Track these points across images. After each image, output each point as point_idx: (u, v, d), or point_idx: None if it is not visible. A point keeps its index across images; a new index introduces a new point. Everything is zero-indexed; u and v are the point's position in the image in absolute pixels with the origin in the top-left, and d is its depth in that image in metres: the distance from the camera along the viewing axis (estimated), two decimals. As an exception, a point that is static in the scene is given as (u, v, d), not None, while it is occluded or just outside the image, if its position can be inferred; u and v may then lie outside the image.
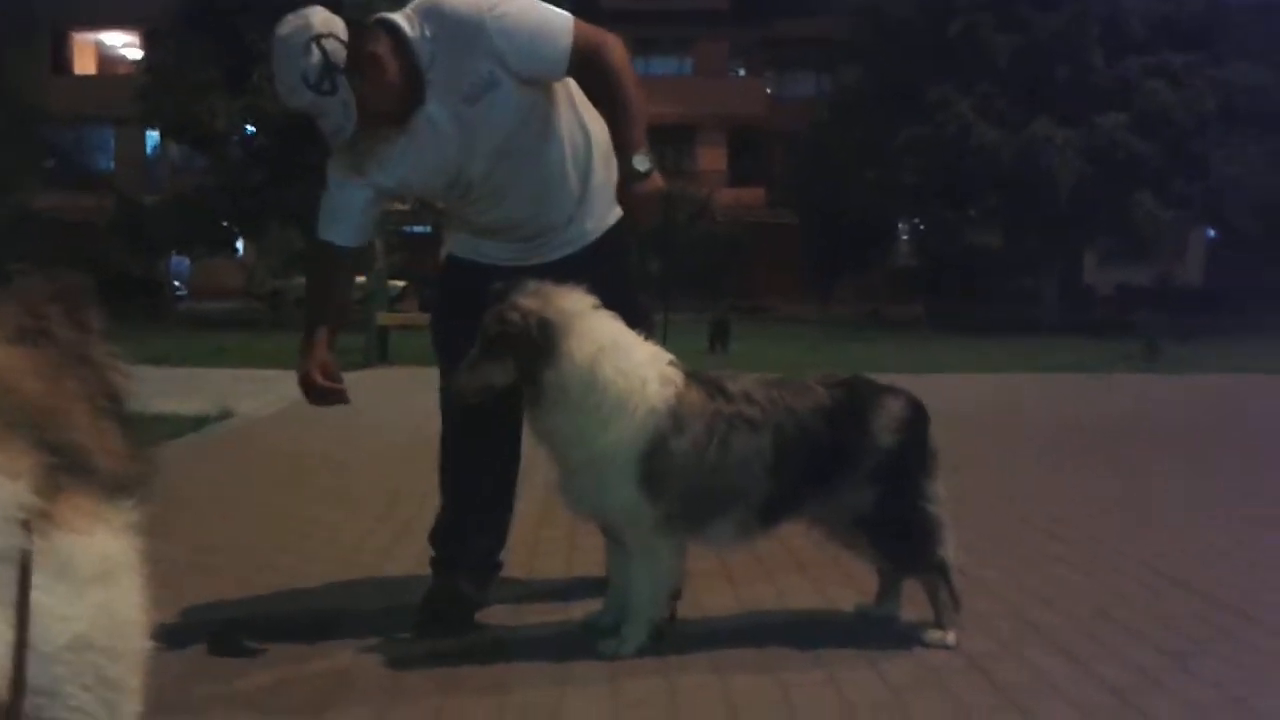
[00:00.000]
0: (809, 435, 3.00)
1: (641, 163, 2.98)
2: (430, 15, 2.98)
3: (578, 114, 3.21)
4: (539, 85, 3.06)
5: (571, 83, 3.17)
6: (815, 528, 3.27)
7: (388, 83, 2.96)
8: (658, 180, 3.02)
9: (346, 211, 3.16)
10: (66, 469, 1.23)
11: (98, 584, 1.21)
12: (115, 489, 1.30)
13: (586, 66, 3.03)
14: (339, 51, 2.91)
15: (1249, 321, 24.72)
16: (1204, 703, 2.66)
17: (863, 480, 3.05)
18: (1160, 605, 3.50)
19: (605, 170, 3.23)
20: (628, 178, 3.02)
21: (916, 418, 3.12)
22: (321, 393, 3.15)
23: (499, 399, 3.00)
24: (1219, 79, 23.15)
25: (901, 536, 3.10)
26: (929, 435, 3.14)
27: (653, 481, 2.91)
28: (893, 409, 3.09)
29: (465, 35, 2.95)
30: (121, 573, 1.25)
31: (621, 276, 3.23)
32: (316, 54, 2.89)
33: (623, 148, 3.04)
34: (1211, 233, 32.71)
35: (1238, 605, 3.49)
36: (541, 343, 2.84)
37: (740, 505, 3.03)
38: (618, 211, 3.26)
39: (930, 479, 3.11)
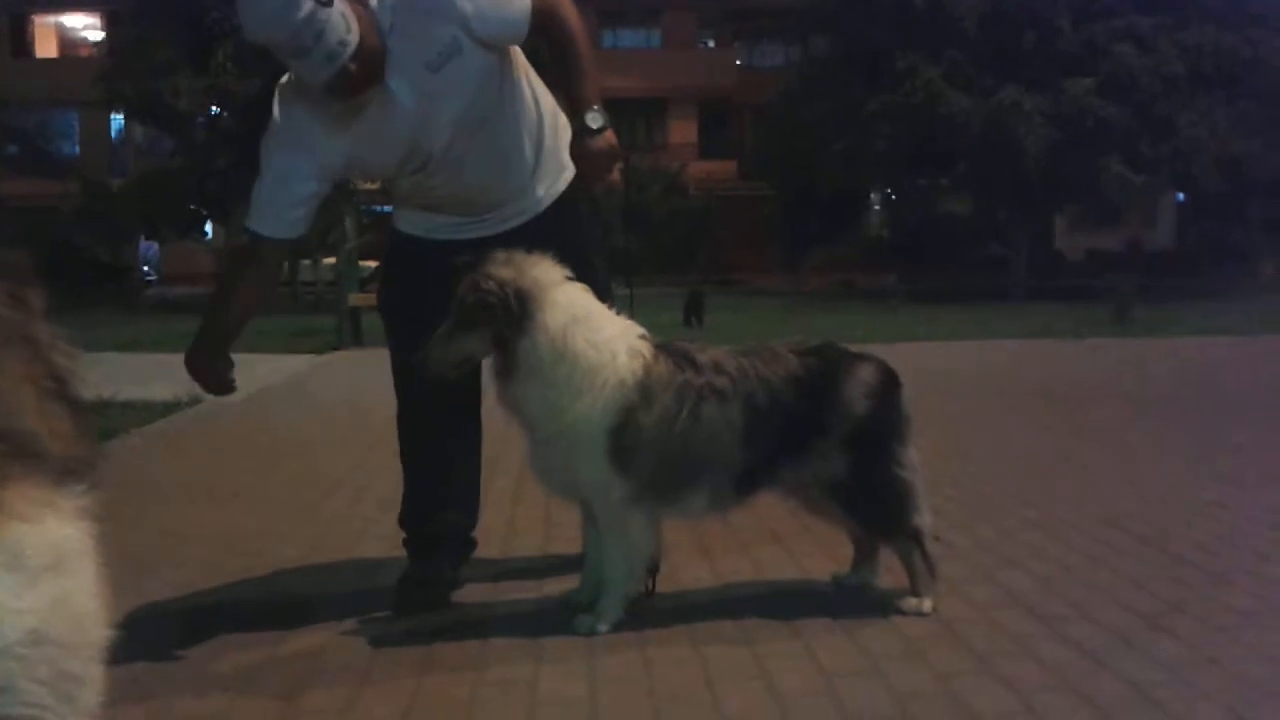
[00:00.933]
0: (780, 404, 2.99)
1: (595, 119, 2.94)
2: None
3: (529, 82, 3.17)
4: (496, 50, 2.99)
5: (518, 49, 3.12)
6: (790, 497, 3.27)
7: (368, 19, 2.78)
8: (610, 137, 2.97)
9: (285, 201, 3.01)
10: (13, 454, 1.20)
11: (51, 574, 1.18)
12: (64, 474, 1.26)
13: (543, 26, 2.97)
14: None
15: (1218, 284, 24.92)
16: (1177, 662, 2.68)
17: (836, 448, 3.04)
18: (1132, 566, 3.51)
19: (554, 136, 3.21)
20: (581, 134, 2.97)
21: (889, 384, 3.11)
22: (216, 381, 3.11)
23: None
24: (1186, 42, 23.21)
25: (875, 503, 3.09)
26: (902, 401, 3.14)
27: (622, 455, 2.89)
28: (865, 375, 3.08)
29: (427, 1, 2.87)
30: (75, 561, 1.22)
31: (576, 243, 3.16)
32: None
33: (576, 105, 2.98)
34: (1180, 196, 32.86)
35: (1209, 566, 3.52)
36: (518, 312, 2.82)
37: (713, 476, 3.01)
38: (568, 177, 3.24)
39: (903, 445, 3.11)
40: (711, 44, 42.91)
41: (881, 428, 3.07)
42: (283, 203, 3.02)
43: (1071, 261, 33.78)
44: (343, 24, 2.68)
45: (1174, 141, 23.05)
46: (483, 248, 3.02)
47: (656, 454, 2.91)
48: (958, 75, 23.79)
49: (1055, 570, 3.48)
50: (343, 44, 2.69)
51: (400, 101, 2.92)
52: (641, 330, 3.01)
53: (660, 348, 2.99)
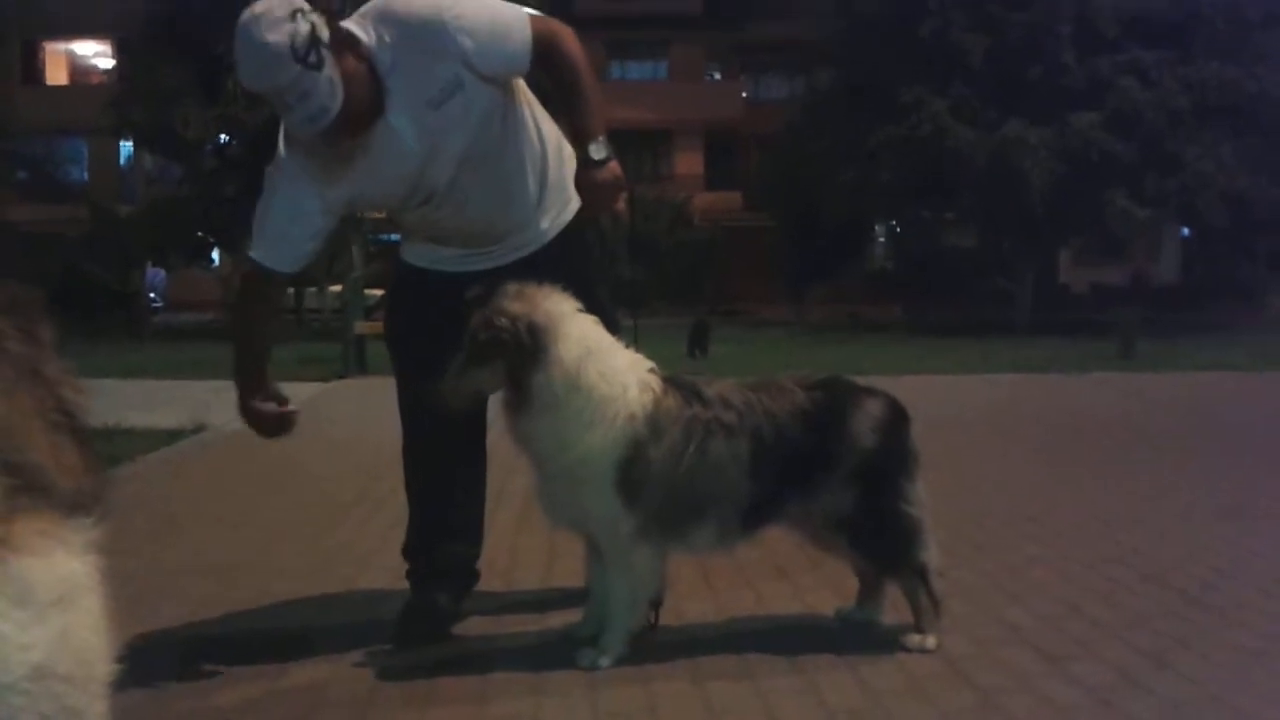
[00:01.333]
0: (787, 438, 3.00)
1: (598, 150, 2.94)
2: (386, 20, 2.89)
3: (533, 113, 3.19)
4: (498, 84, 3.02)
5: (521, 82, 3.15)
6: (796, 531, 3.27)
7: (362, 71, 2.83)
8: (615, 168, 2.97)
9: (290, 234, 3.03)
10: (21, 488, 1.20)
11: (57, 608, 1.18)
12: (73, 508, 1.27)
13: (544, 58, 2.98)
14: (323, 27, 2.74)
15: (1224, 319, 24.90)
16: (1182, 701, 2.67)
17: (842, 482, 3.04)
18: (1137, 604, 3.51)
19: (558, 168, 3.22)
20: (585, 165, 2.97)
21: (896, 418, 3.12)
22: (273, 422, 3.15)
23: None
24: (1190, 76, 23.27)
25: (881, 538, 3.09)
26: (909, 436, 3.14)
27: (630, 489, 2.90)
28: (872, 409, 3.08)
29: (427, 38, 2.87)
30: (82, 595, 1.23)
31: (583, 275, 3.16)
32: (304, 24, 2.70)
33: (580, 136, 2.99)
34: (1186, 230, 32.88)
35: (1214, 603, 3.51)
36: (531, 346, 2.82)
37: (720, 510, 3.01)
38: (573, 208, 3.23)
39: (910, 480, 3.11)
40: (718, 76, 43.11)
41: (889, 463, 3.07)
42: (289, 237, 3.04)
43: (1076, 295, 33.79)
44: (328, 89, 2.73)
45: (1179, 176, 23.06)
46: (489, 279, 3.04)
47: (664, 488, 2.91)
48: (963, 108, 23.85)
49: (1060, 607, 3.47)
50: (324, 110, 2.75)
51: (403, 138, 2.94)
52: (651, 364, 3.02)
53: (669, 381, 3.00)
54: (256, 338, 3.21)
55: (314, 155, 2.97)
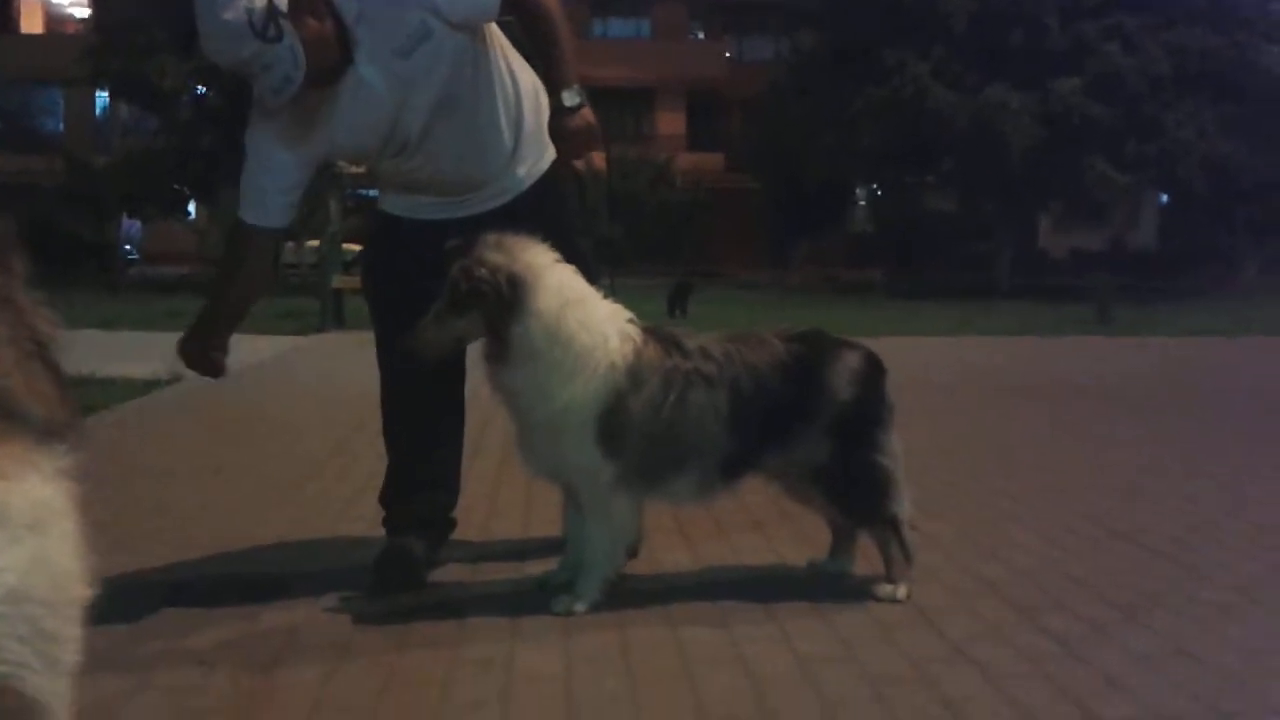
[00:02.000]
0: (766, 389, 3.00)
1: (570, 98, 2.96)
2: None
3: (507, 60, 3.17)
4: (470, 31, 3.00)
5: (496, 29, 3.13)
6: (772, 482, 3.28)
7: (325, 34, 2.83)
8: (588, 115, 2.98)
9: (270, 190, 3.06)
10: None
11: (31, 532, 1.18)
12: (46, 434, 1.26)
13: (515, 4, 2.98)
14: None
15: (1201, 285, 25.07)
16: (1151, 653, 2.70)
17: (819, 433, 3.05)
18: (1109, 559, 3.54)
19: (535, 117, 3.20)
20: (557, 113, 2.98)
21: (873, 370, 3.13)
22: (203, 363, 3.16)
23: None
24: (1172, 42, 23.28)
25: (855, 489, 3.10)
26: (885, 388, 3.15)
27: (610, 439, 2.90)
28: (850, 361, 3.09)
29: None
30: (55, 520, 1.22)
31: (562, 224, 3.17)
32: None
33: (553, 84, 3.01)
34: (1164, 197, 33.00)
35: (1185, 560, 3.54)
36: (510, 298, 2.81)
37: (700, 461, 3.02)
38: (550, 156, 3.23)
39: (885, 432, 3.12)
40: (701, 36, 42.85)
41: (865, 414, 3.08)
42: (268, 190, 3.05)
43: (1055, 260, 33.94)
44: (290, 59, 2.75)
45: (1159, 142, 23.14)
46: (466, 227, 3.04)
47: (644, 438, 2.92)
48: (945, 72, 23.82)
49: (1032, 562, 3.50)
50: (287, 80, 2.78)
51: (373, 88, 2.93)
52: (630, 314, 3.02)
53: (649, 332, 3.00)
54: (233, 295, 3.21)
55: (289, 105, 2.94)
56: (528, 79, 3.22)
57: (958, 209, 31.36)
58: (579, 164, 3.31)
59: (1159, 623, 2.92)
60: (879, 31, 24.64)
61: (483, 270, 2.81)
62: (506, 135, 3.18)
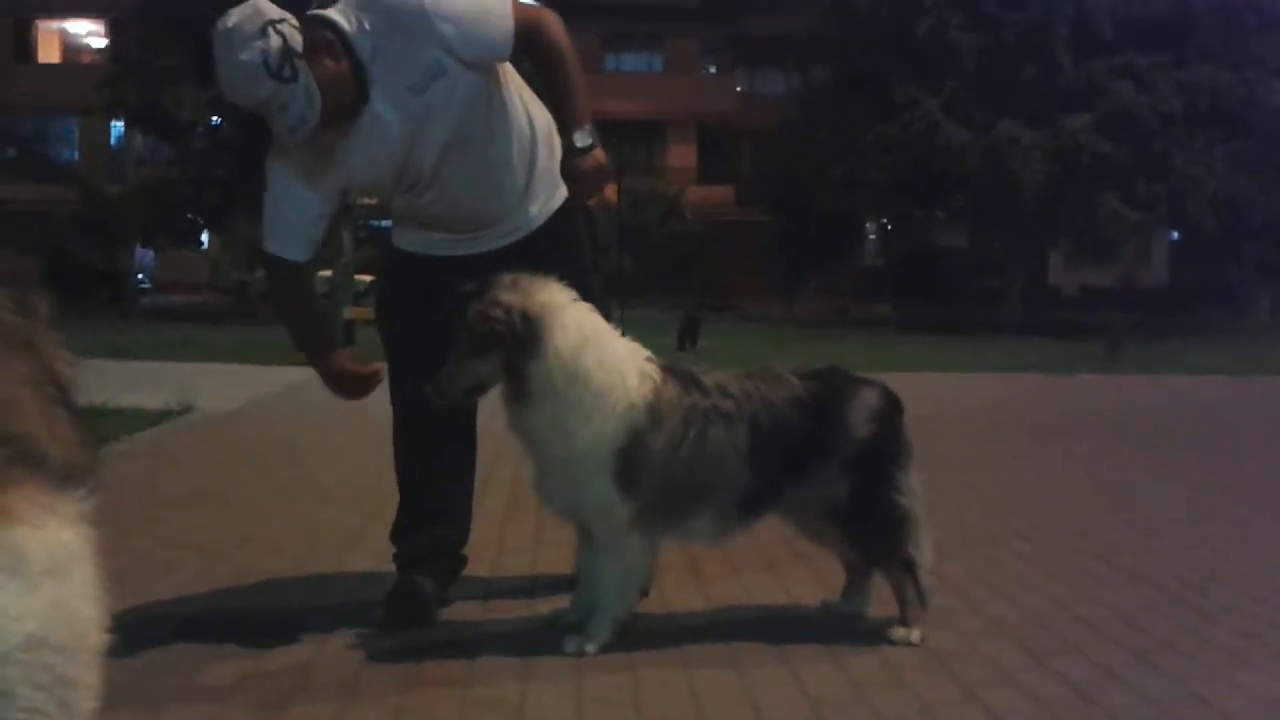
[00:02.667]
0: (784, 426, 3.00)
1: (582, 138, 2.97)
2: (366, 6, 2.91)
3: (521, 99, 3.20)
4: (483, 70, 3.02)
5: (510, 67, 3.16)
6: (788, 520, 3.28)
7: (340, 73, 2.87)
8: (600, 156, 2.99)
9: (295, 223, 3.09)
10: (15, 458, 1.20)
11: (51, 578, 1.18)
12: (65, 479, 1.27)
13: (529, 45, 3.00)
14: (295, 36, 2.81)
15: (1212, 323, 25.01)
16: (1164, 699, 2.68)
17: (837, 470, 3.05)
18: (1122, 601, 3.52)
19: (548, 154, 3.22)
20: (569, 154, 2.99)
21: (891, 408, 3.13)
22: (355, 382, 3.20)
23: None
24: (1183, 80, 23.34)
25: (872, 527, 3.10)
26: (904, 427, 3.15)
27: (629, 478, 2.89)
28: (868, 399, 3.10)
29: (408, 24, 2.89)
30: (75, 565, 1.22)
31: (573, 261, 3.19)
32: (275, 38, 2.77)
33: (565, 124, 3.02)
34: (1175, 234, 33.00)
35: (1198, 603, 3.52)
36: (527, 337, 2.82)
37: (718, 499, 3.02)
38: (562, 194, 3.24)
39: (904, 471, 3.12)
40: (713, 70, 43.06)
41: (883, 452, 3.08)
42: (291, 224, 3.09)
43: (1066, 296, 33.91)
44: (305, 99, 2.80)
45: (1170, 180, 23.15)
46: (479, 264, 3.06)
47: (663, 476, 2.91)
48: (956, 108, 23.89)
49: (1045, 604, 3.48)
50: (302, 120, 2.83)
51: (387, 124, 2.96)
52: (648, 352, 3.02)
53: (667, 369, 3.00)
54: (302, 318, 3.30)
55: (301, 147, 2.99)
56: (542, 118, 3.25)
57: (968, 244, 31.38)
58: (591, 203, 3.32)
59: (1170, 667, 2.90)
60: (890, 67, 24.74)
61: (498, 311, 2.82)
62: (520, 173, 3.20)
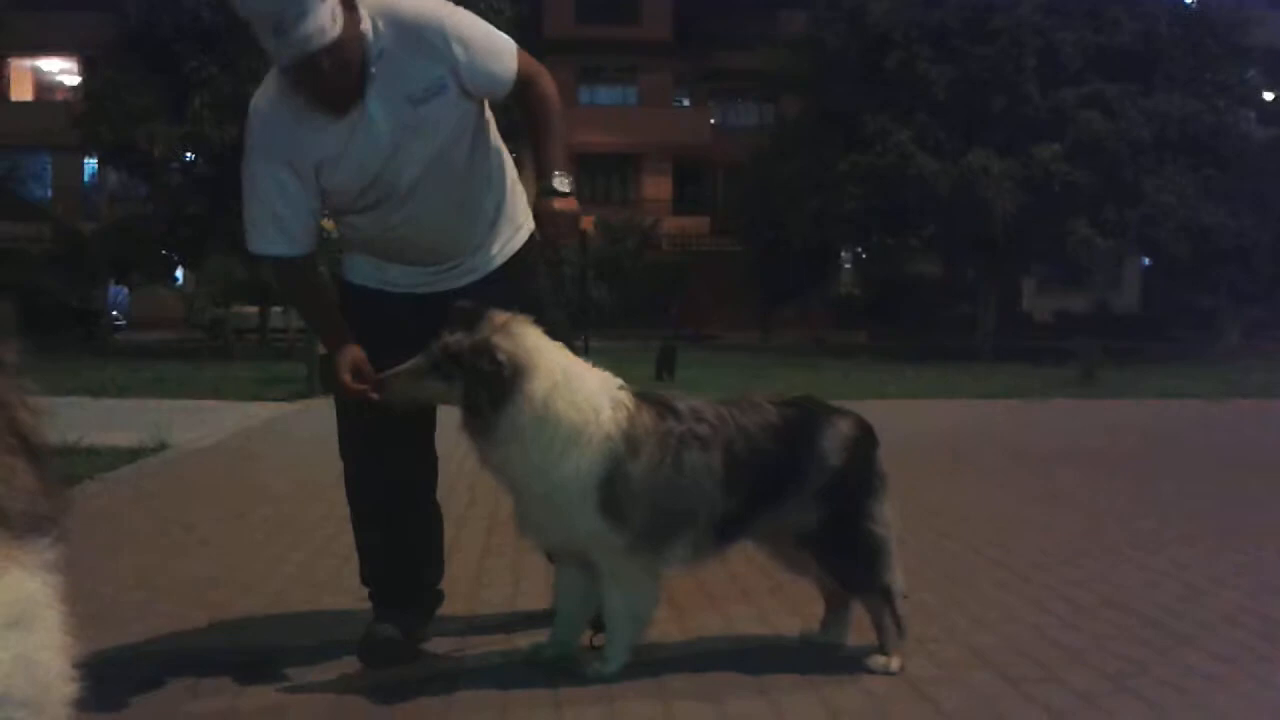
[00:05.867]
0: (760, 452, 3.01)
1: (562, 183, 3.00)
2: (386, 14, 2.90)
3: (498, 139, 3.23)
4: (476, 103, 3.06)
5: (490, 115, 3.19)
6: (764, 548, 3.28)
7: (359, 34, 2.82)
8: (574, 203, 3.03)
9: (286, 217, 3.00)
10: None
11: (14, 630, 1.15)
12: (27, 528, 1.24)
13: (524, 90, 3.05)
14: None
15: (1184, 348, 25.21)
16: (1141, 724, 2.69)
17: (812, 498, 3.06)
18: (1099, 628, 3.54)
19: (513, 201, 3.27)
20: (547, 195, 2.99)
21: (865, 439, 3.15)
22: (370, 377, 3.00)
23: (405, 422, 3.06)
24: (1151, 109, 23.61)
25: (847, 556, 3.11)
26: (877, 457, 3.17)
27: (614, 507, 2.89)
28: (842, 429, 3.12)
29: (424, 37, 2.90)
30: (39, 616, 1.20)
31: (534, 297, 3.18)
32: None
33: (546, 166, 3.03)
34: (1147, 260, 33.29)
35: (1175, 628, 3.54)
36: (510, 384, 2.82)
37: (695, 524, 3.01)
38: (522, 236, 3.28)
39: (878, 501, 3.13)
40: (686, 103, 43.30)
41: (857, 481, 3.09)
42: (281, 217, 3.01)
43: (1039, 322, 34.13)
44: (328, 15, 2.70)
45: (1140, 207, 23.37)
46: (436, 304, 3.05)
47: (646, 502, 2.91)
48: (927, 138, 24.09)
49: (1022, 630, 3.50)
50: (322, 31, 2.69)
51: (375, 127, 2.94)
52: (620, 381, 3.03)
53: (640, 397, 3.01)
54: (314, 308, 3.27)
55: (288, 121, 2.93)
56: (510, 167, 3.28)
57: (941, 272, 31.58)
58: (559, 246, 3.26)
59: (1150, 694, 2.91)
60: (861, 99, 24.94)
61: (498, 355, 2.81)
62: (489, 210, 3.21)
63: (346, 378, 2.99)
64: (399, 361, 2.92)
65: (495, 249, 3.25)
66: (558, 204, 3.00)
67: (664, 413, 2.98)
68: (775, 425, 3.06)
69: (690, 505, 2.98)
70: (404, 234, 3.14)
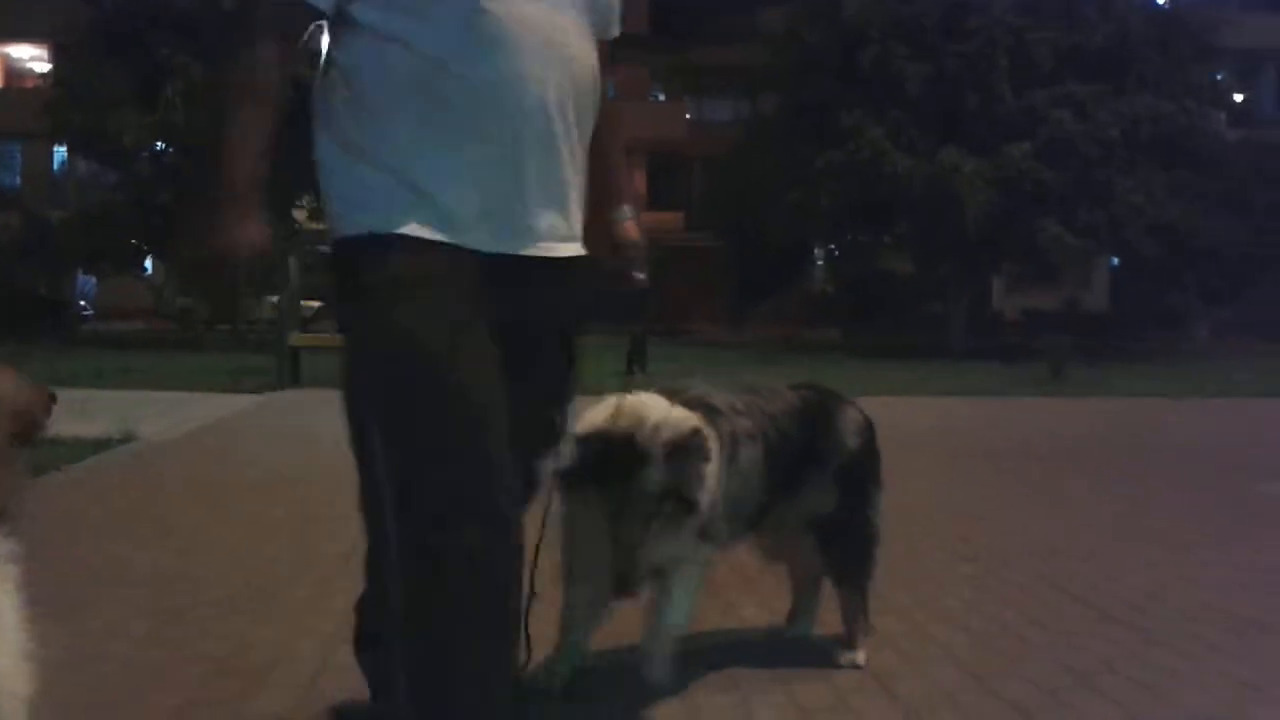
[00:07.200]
0: (788, 438, 2.99)
1: (632, 212, 2.58)
2: None
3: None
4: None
5: None
6: (762, 535, 3.20)
7: None
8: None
9: None
10: None
11: None
12: None
13: (602, 82, 2.26)
14: None
15: (1152, 347, 25.41)
16: (1105, 720, 2.71)
17: (830, 480, 3.07)
18: (1064, 624, 3.55)
19: (581, 199, 2.23)
20: (621, 220, 2.52)
21: (870, 425, 3.22)
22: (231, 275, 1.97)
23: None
24: (1123, 110, 23.77)
25: (851, 544, 3.12)
26: (878, 445, 3.22)
27: (706, 524, 2.73)
28: (852, 414, 3.18)
29: None
30: None
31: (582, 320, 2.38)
32: None
33: (618, 191, 2.52)
34: (1116, 259, 33.54)
35: (1142, 624, 3.56)
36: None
37: (740, 517, 2.93)
38: (577, 248, 2.22)
39: (879, 489, 3.18)
40: (662, 97, 43.27)
41: (867, 466, 3.15)
42: None
43: (1009, 320, 34.32)
44: None
45: (1110, 207, 23.53)
46: (533, 271, 2.10)
47: (723, 505, 2.78)
48: (901, 136, 24.16)
49: (989, 625, 3.51)
50: None
51: None
52: (660, 398, 2.75)
53: (686, 403, 2.77)
54: (248, 135, 1.97)
55: None
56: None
57: (913, 270, 31.69)
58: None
59: (1114, 690, 2.93)
60: (837, 95, 24.99)
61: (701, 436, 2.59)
62: (579, 177, 2.20)
63: (214, 256, 1.93)
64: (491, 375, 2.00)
65: (577, 225, 2.22)
66: (631, 230, 2.53)
67: (710, 413, 2.80)
68: (798, 409, 3.06)
69: (745, 501, 2.92)
70: (480, 74, 1.97)
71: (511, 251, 2.06)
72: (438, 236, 1.98)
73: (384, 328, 1.96)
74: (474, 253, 2.01)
